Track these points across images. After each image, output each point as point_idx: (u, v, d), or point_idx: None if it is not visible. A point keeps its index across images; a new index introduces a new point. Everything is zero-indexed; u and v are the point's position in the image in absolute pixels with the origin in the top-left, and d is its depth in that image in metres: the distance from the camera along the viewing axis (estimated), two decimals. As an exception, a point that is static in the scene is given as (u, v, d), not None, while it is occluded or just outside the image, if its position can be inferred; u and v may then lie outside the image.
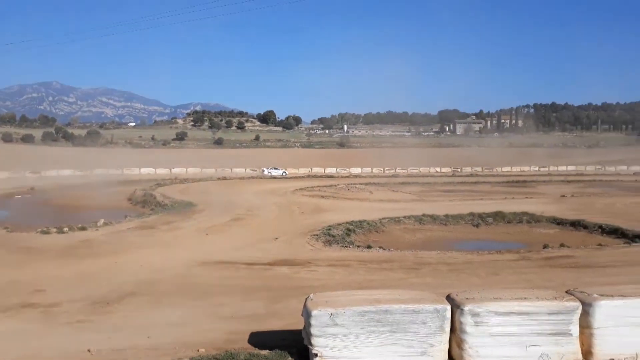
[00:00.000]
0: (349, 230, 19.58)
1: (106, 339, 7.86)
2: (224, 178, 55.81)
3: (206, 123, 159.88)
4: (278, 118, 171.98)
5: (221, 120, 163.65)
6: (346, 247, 16.52)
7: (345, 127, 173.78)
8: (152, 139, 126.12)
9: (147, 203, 29.26)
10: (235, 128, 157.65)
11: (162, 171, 59.96)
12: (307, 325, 5.95)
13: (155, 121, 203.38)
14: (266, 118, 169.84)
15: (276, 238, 17.87)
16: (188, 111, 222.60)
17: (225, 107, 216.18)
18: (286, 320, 8.32)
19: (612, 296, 6.40)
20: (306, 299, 6.23)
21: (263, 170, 67.45)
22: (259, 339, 7.51)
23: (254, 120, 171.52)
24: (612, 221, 21.75)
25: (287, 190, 40.02)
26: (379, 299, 6.14)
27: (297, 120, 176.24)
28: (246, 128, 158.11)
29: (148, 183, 43.26)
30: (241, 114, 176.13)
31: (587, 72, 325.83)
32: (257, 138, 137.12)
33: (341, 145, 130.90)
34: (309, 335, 5.90)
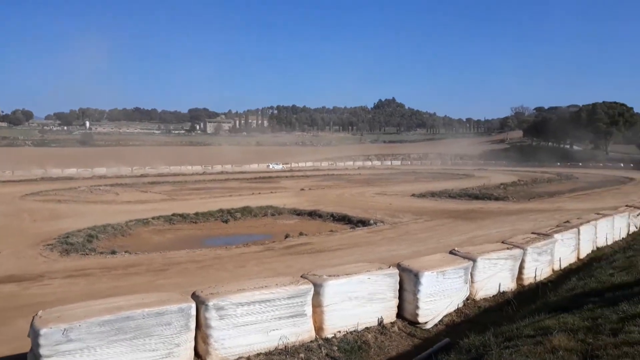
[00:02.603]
0: (90, 236, 18.05)
1: None
2: None
3: None
4: (2, 112, 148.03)
5: None
6: (87, 255, 15.17)
7: (88, 124, 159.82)
8: None
9: None
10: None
11: None
12: (35, 346, 5.29)
13: None
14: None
15: (-1, 252, 15.36)
16: None
17: None
18: (12, 344, 7.20)
19: (338, 276, 7.19)
20: (33, 317, 5.53)
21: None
22: (-27, 372, 6.40)
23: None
24: (341, 210, 25.06)
25: (15, 195, 34.86)
26: (120, 306, 5.81)
27: (28, 115, 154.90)
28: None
29: None
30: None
31: (321, 79, 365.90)
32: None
33: (83, 143, 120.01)
34: (38, 357, 5.26)
